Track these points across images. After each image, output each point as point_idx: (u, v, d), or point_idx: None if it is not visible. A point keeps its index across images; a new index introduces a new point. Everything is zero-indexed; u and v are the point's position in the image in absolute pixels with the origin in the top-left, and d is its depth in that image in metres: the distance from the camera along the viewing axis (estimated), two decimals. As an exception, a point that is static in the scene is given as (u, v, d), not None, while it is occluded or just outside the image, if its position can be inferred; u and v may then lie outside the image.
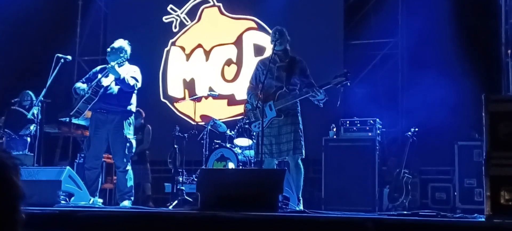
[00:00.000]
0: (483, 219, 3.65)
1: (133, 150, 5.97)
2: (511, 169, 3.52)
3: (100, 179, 5.93)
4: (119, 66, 5.79)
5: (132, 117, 5.98)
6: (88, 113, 6.84)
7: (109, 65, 5.74)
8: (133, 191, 5.94)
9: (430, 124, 7.64)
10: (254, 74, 5.69)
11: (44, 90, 5.93)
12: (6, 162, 1.02)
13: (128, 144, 5.84)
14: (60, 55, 5.92)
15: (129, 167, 5.90)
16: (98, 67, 6.09)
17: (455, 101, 7.57)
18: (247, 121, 5.72)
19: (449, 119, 7.64)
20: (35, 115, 6.85)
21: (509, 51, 7.28)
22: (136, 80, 5.90)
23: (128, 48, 6.02)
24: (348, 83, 5.31)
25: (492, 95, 3.76)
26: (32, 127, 7.00)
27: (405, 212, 4.95)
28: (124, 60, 5.89)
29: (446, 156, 7.57)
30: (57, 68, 5.84)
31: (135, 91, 5.99)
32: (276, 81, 5.47)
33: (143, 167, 8.34)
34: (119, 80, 5.77)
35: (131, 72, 5.90)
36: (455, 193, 7.24)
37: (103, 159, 6.28)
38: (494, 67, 7.76)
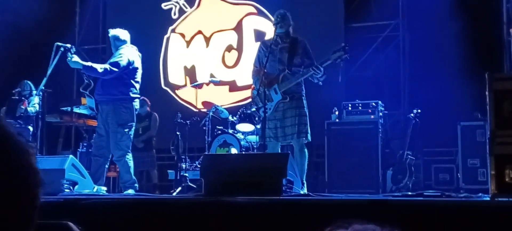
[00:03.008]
0: (488, 198, 3.65)
1: (128, 139, 5.86)
2: (516, 147, 3.51)
3: (105, 168, 5.90)
4: (116, 52, 5.83)
5: (127, 105, 5.85)
6: (83, 100, 6.90)
7: (67, 60, 5.73)
8: (133, 179, 5.91)
9: (432, 105, 7.61)
10: (257, 56, 5.73)
11: (45, 79, 5.91)
12: (26, 148, 0.98)
13: (119, 134, 5.78)
14: (60, 44, 5.89)
15: (126, 157, 5.83)
16: None
17: (457, 81, 7.54)
18: (255, 107, 5.73)
19: (452, 100, 7.61)
20: (37, 104, 6.84)
21: (511, 30, 7.24)
22: (113, 65, 5.75)
23: (120, 33, 5.99)
24: (347, 57, 5.33)
25: (496, 73, 3.74)
26: (32, 109, 6.97)
27: (409, 193, 4.94)
28: (121, 46, 5.89)
29: (449, 137, 7.55)
30: (57, 57, 5.82)
31: (135, 78, 5.92)
32: (278, 64, 5.49)
33: (149, 154, 8.33)
34: (85, 69, 5.75)
35: (112, 58, 5.86)
36: (459, 174, 7.23)
37: (107, 149, 6.18)
38: (496, 47, 7.72)
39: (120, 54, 5.86)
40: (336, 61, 5.34)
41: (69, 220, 2.01)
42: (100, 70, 5.70)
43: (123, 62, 5.80)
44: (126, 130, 5.83)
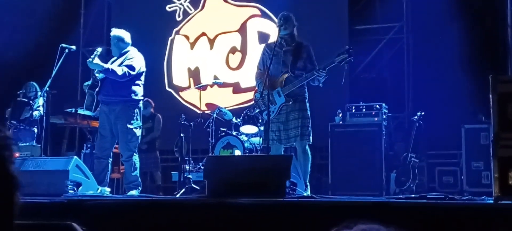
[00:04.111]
0: (492, 201, 3.65)
1: (137, 140, 5.92)
2: (520, 150, 3.51)
3: (108, 169, 5.92)
4: (120, 56, 5.83)
5: (136, 106, 5.92)
6: None
7: (88, 60, 5.75)
8: (139, 180, 5.94)
9: (436, 107, 7.61)
10: (261, 59, 5.74)
11: (49, 80, 5.94)
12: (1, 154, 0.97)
13: (129, 135, 5.82)
14: (65, 45, 5.92)
15: (133, 157, 5.88)
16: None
17: (461, 84, 7.53)
18: (258, 110, 5.73)
19: (456, 102, 7.61)
20: (41, 106, 6.88)
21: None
22: (130, 68, 5.81)
23: (125, 34, 6.02)
24: (352, 59, 5.34)
25: (500, 76, 3.74)
26: (36, 113, 7.02)
27: (413, 196, 4.94)
28: (125, 48, 5.91)
29: (452, 139, 7.54)
30: (62, 58, 5.84)
31: (141, 80, 5.96)
32: (282, 67, 5.50)
33: (153, 155, 8.35)
34: (105, 72, 5.76)
35: (126, 61, 5.88)
36: (462, 177, 7.21)
37: (110, 150, 6.20)
38: (500, 49, 7.71)
39: (132, 57, 5.92)
40: (340, 64, 5.35)
41: (73, 221, 2.03)
42: (120, 73, 5.75)
43: (137, 66, 5.88)
44: (136, 131, 5.88)
